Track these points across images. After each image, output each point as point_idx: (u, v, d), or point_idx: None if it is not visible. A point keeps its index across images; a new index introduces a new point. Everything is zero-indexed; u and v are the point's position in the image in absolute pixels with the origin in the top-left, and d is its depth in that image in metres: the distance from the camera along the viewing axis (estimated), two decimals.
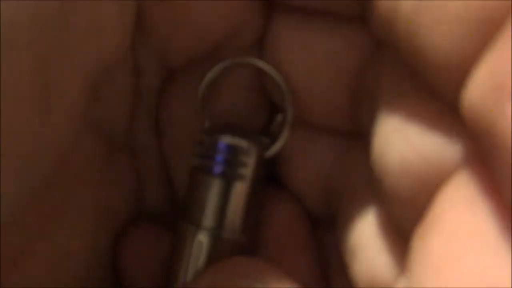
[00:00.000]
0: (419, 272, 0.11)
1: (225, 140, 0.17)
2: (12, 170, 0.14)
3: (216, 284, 0.16)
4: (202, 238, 0.17)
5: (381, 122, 0.14)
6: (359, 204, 0.16)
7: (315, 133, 0.17)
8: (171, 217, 0.18)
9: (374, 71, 0.15)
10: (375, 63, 0.15)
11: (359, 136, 0.16)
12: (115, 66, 0.17)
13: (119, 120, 0.18)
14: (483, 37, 0.10)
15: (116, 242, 0.19)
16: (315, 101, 0.17)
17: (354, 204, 0.16)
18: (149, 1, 0.16)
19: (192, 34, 0.17)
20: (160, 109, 0.18)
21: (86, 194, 0.17)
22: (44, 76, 0.14)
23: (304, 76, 0.16)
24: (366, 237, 0.16)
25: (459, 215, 0.10)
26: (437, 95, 0.12)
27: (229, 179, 0.17)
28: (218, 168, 0.17)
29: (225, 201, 0.17)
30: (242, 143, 0.17)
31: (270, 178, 0.18)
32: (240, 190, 0.17)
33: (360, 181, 0.16)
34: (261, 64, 0.17)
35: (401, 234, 0.14)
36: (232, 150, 0.17)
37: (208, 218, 0.17)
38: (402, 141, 0.13)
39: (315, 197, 0.18)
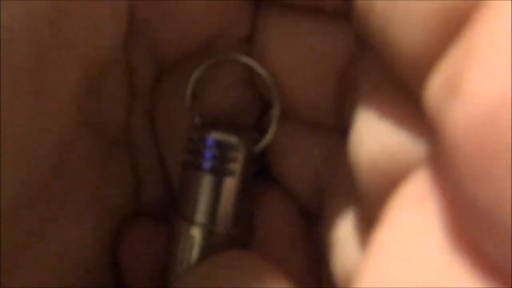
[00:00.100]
0: (363, 266, 0.11)
1: (214, 136, 0.17)
2: (11, 167, 0.14)
3: (209, 277, 0.16)
4: (195, 233, 0.17)
5: (357, 118, 0.14)
6: (340, 200, 0.16)
7: (304, 128, 0.18)
8: (169, 213, 0.18)
9: (357, 67, 0.15)
10: (359, 59, 0.15)
11: (345, 131, 0.16)
12: (109, 64, 0.17)
13: (115, 117, 0.18)
14: (447, 35, 0.10)
15: (115, 238, 0.19)
16: (302, 96, 0.17)
17: (337, 199, 0.16)
18: (140, 0, 0.16)
19: (182, 31, 0.17)
20: (154, 105, 0.19)
21: (85, 191, 0.17)
22: (40, 74, 0.14)
23: (291, 72, 0.17)
24: (344, 231, 0.16)
25: (408, 212, 0.10)
26: (408, 92, 0.12)
27: (219, 174, 0.17)
28: (207, 164, 0.17)
29: (216, 197, 0.17)
30: (231, 138, 0.17)
31: (262, 172, 0.19)
32: (230, 185, 0.17)
33: (343, 176, 0.16)
34: (246, 60, 0.17)
35: (372, 230, 0.14)
36: (221, 146, 0.17)
37: (200, 213, 0.17)
38: (372, 137, 0.13)
39: (306, 191, 0.18)
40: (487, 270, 0.09)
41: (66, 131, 0.16)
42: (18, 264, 0.16)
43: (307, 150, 0.18)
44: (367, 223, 0.14)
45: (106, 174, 0.18)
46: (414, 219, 0.10)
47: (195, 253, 0.17)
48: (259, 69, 0.17)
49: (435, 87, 0.10)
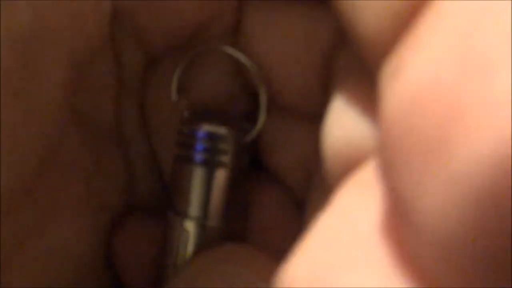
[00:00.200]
0: (297, 246, 0.10)
1: (205, 128, 0.17)
2: (2, 163, 0.14)
3: (206, 271, 0.16)
4: (189, 227, 0.17)
5: (329, 105, 0.14)
6: (321, 190, 0.16)
7: (293, 118, 0.17)
8: (163, 207, 0.18)
9: (338, 54, 0.15)
10: (341, 46, 0.15)
11: None
12: (95, 55, 0.17)
13: (105, 109, 0.18)
14: (407, 19, 0.09)
15: (110, 234, 0.19)
16: (290, 85, 0.17)
17: (318, 189, 0.17)
18: None
19: (168, 21, 0.17)
20: (144, 97, 0.18)
21: (79, 187, 0.17)
22: (24, 67, 0.14)
23: (278, 61, 0.16)
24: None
25: (349, 197, 0.10)
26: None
27: (211, 166, 0.17)
28: (199, 157, 0.17)
29: (209, 189, 0.17)
30: (222, 130, 0.17)
31: (254, 164, 0.19)
32: (223, 177, 0.17)
33: None
34: (230, 50, 0.17)
35: None
36: (212, 138, 0.17)
37: (193, 207, 0.17)
38: (337, 125, 0.13)
39: (298, 181, 0.18)
40: (408, 268, 0.08)
41: (54, 126, 0.16)
42: (15, 262, 0.16)
43: (297, 140, 0.18)
44: None
45: (98, 169, 0.18)
46: (353, 205, 0.10)
47: (190, 246, 0.17)
48: (243, 59, 0.17)
49: (386, 73, 0.09)
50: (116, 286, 0.19)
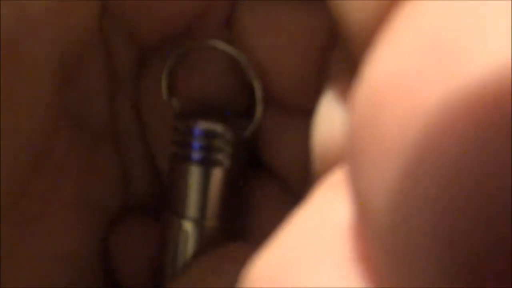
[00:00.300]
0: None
1: (202, 125, 0.17)
2: None
3: (211, 270, 0.16)
4: (187, 228, 0.17)
5: (320, 101, 0.13)
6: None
7: (290, 114, 0.17)
8: (159, 206, 0.18)
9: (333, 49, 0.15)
10: (336, 41, 0.15)
11: None
12: (85, 52, 0.16)
13: (97, 106, 0.18)
14: (384, 10, 0.09)
15: (106, 234, 0.18)
16: (285, 80, 0.16)
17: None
18: None
19: (159, 15, 0.16)
20: (138, 93, 0.18)
21: (71, 186, 0.17)
22: (11, 63, 0.14)
23: (272, 55, 0.16)
24: None
25: (324, 198, 0.10)
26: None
27: (209, 165, 0.17)
28: (196, 155, 0.17)
29: (206, 189, 0.17)
30: (219, 127, 0.17)
31: (252, 161, 0.18)
32: (221, 175, 0.17)
33: None
34: (222, 45, 0.17)
35: None
36: (210, 135, 0.17)
37: (191, 207, 0.17)
38: (325, 122, 0.12)
39: (296, 178, 0.18)
40: (366, 268, 0.08)
41: (44, 124, 0.15)
42: (7, 264, 0.15)
43: (295, 136, 0.17)
44: None
45: (91, 167, 0.18)
46: (325, 204, 0.09)
47: (189, 247, 0.17)
48: (235, 53, 0.16)
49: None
50: (113, 286, 0.19)
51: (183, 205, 0.17)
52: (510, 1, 0.07)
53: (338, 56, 0.14)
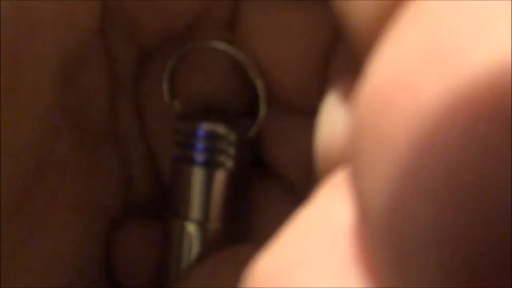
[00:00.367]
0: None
1: (205, 126, 0.16)
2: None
3: (217, 272, 0.16)
4: (191, 230, 0.17)
5: (323, 102, 0.13)
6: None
7: (294, 114, 0.17)
8: (161, 207, 0.18)
9: (336, 49, 0.15)
10: (338, 41, 0.15)
11: None
12: (85, 50, 0.16)
13: (99, 107, 0.17)
14: (388, 10, 0.09)
15: (108, 236, 0.18)
16: (288, 80, 0.16)
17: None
18: None
19: (160, 14, 0.16)
20: (139, 94, 0.18)
21: (73, 188, 0.17)
22: (12, 64, 0.14)
23: (275, 55, 0.16)
24: None
25: (327, 198, 0.10)
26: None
27: (213, 166, 0.16)
28: (199, 157, 0.16)
29: (209, 191, 0.17)
30: (223, 128, 0.16)
31: (256, 162, 0.18)
32: (225, 177, 0.17)
33: None
34: (220, 46, 0.16)
35: None
36: (213, 137, 0.16)
37: (194, 209, 0.17)
38: (328, 122, 0.12)
39: (300, 178, 0.18)
40: (366, 268, 0.08)
41: (44, 124, 0.15)
42: (9, 267, 0.15)
43: (298, 136, 0.17)
44: None
45: (92, 168, 0.17)
46: (329, 205, 0.09)
47: (193, 249, 0.17)
48: (237, 54, 0.16)
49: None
50: (114, 287, 0.18)
51: (186, 207, 0.17)
52: (510, 1, 0.07)
53: (340, 56, 0.14)
